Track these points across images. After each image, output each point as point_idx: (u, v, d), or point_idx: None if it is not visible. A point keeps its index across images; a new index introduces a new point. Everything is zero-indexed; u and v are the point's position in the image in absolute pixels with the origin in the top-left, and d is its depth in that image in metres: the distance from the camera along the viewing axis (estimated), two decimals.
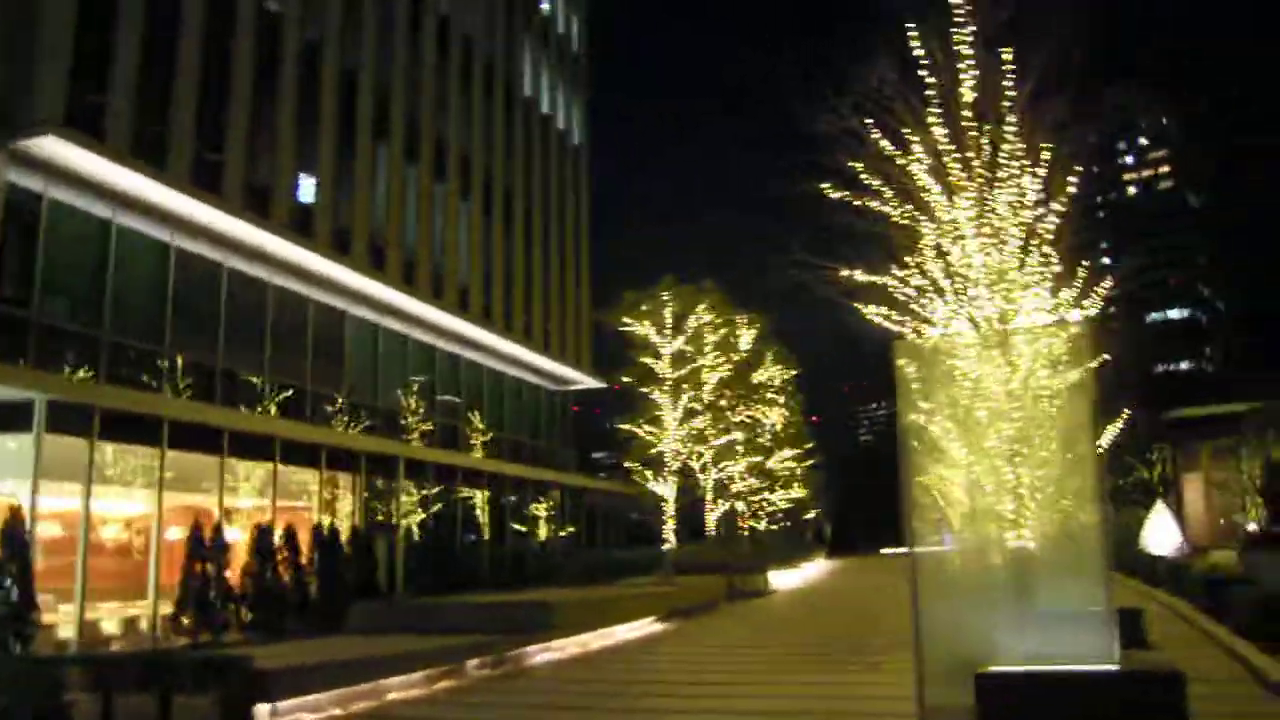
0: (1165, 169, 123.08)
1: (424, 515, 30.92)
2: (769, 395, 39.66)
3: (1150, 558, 27.75)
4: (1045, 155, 11.18)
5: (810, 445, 43.84)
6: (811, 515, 57.52)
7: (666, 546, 29.87)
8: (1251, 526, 28.14)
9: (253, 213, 25.46)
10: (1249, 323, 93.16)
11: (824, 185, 11.80)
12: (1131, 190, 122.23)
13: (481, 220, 40.57)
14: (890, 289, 12.10)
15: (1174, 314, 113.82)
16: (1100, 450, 9.53)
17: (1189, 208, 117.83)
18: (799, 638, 18.96)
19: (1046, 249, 11.03)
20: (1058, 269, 11.23)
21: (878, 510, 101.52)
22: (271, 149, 27.08)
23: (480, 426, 38.18)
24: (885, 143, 11.32)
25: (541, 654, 16.42)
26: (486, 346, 40.96)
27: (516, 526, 39.62)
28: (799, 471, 43.62)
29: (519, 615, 17.11)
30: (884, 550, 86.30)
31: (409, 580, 24.42)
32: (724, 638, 19.36)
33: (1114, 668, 7.90)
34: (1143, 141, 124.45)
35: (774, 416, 39.76)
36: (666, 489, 30.09)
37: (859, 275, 11.77)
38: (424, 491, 31.24)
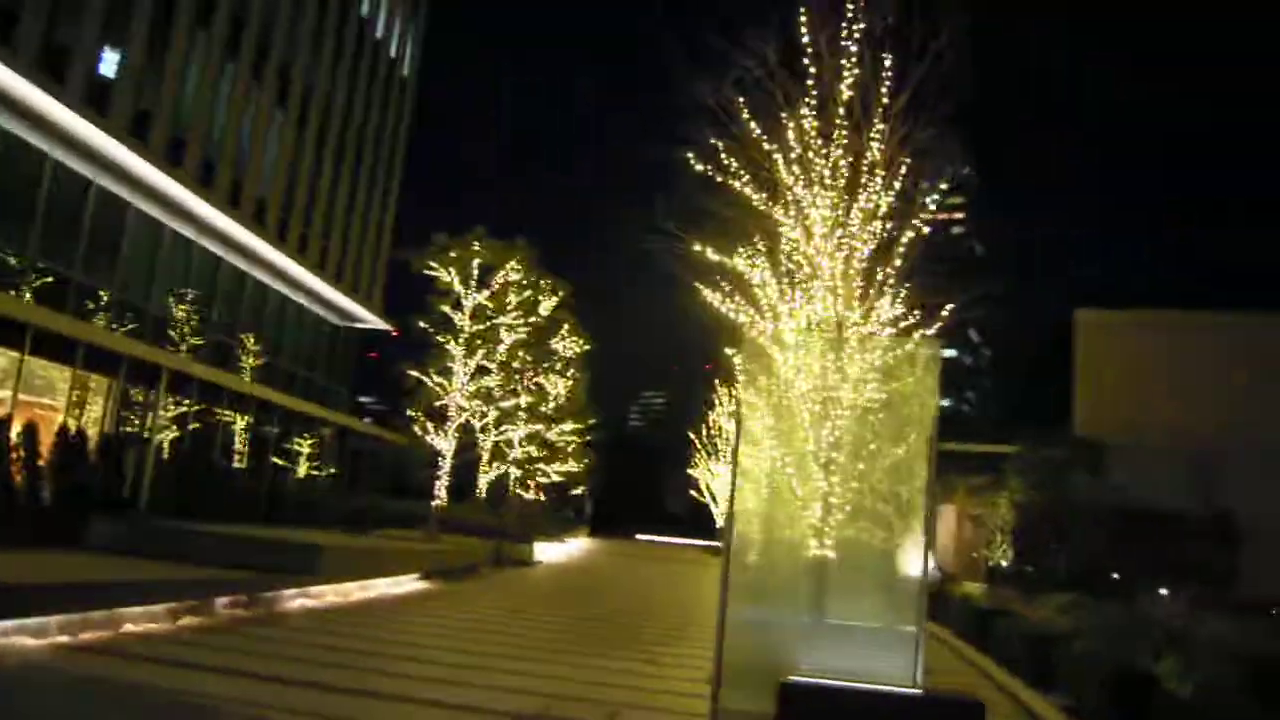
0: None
1: (181, 433, 28.96)
2: (559, 365, 39.25)
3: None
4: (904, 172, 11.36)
5: (592, 421, 43.75)
6: (578, 491, 57.56)
7: (436, 503, 29.05)
8: (1004, 563, 29.95)
9: (43, 75, 23.01)
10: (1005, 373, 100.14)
11: (688, 154, 11.50)
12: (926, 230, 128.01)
13: (294, 135, 38.38)
14: (737, 275, 11.96)
15: (949, 352, 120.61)
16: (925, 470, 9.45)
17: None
18: (570, 615, 18.69)
19: (893, 265, 11.14)
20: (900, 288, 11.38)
21: (638, 496, 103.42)
22: (76, 10, 24.58)
23: (254, 349, 36.14)
24: (753, 125, 11.18)
25: (299, 599, 15.48)
26: (276, 268, 38.84)
27: (277, 460, 37.82)
28: (572, 448, 43.49)
29: (281, 555, 16.06)
30: (639, 536, 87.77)
31: (157, 499, 22.68)
32: (490, 605, 18.87)
33: (918, 691, 7.94)
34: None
35: (560, 387, 39.40)
36: (446, 444, 29.25)
37: (710, 252, 11.52)
38: (185, 408, 29.27)
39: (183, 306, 30.57)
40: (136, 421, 27.14)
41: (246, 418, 35.15)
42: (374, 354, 54.84)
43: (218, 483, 26.97)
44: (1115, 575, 27.53)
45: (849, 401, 10.13)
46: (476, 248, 29.77)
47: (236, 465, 34.89)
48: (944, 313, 10.91)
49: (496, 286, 30.49)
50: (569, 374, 40.49)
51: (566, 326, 38.12)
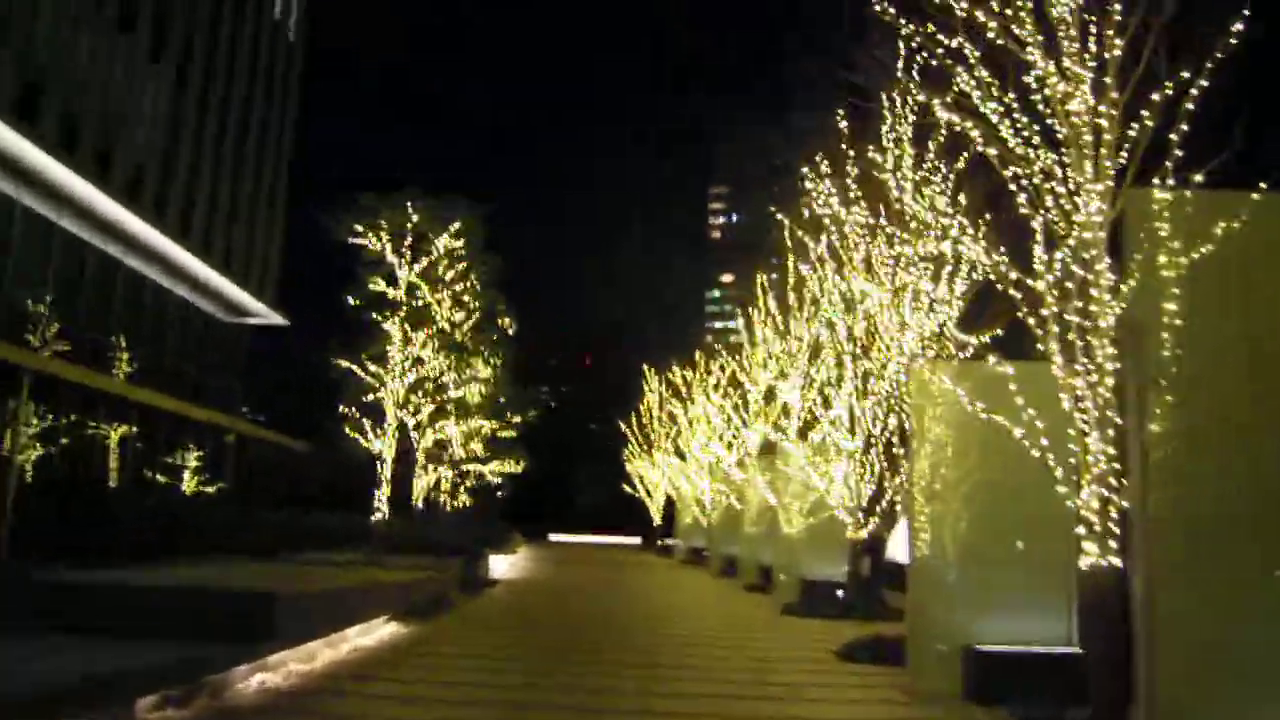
0: None
1: (50, 450, 23.50)
2: (491, 352, 34.32)
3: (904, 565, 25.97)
4: None
5: (533, 413, 38.96)
6: (500, 494, 52.74)
7: (376, 517, 24.08)
8: None
9: None
10: None
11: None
12: None
13: (172, 94, 32.68)
14: None
15: None
16: None
17: None
18: (594, 656, 14.23)
19: None
20: None
21: (549, 494, 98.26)
22: None
23: (128, 350, 30.58)
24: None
25: (255, 675, 10.64)
26: (155, 252, 33.09)
27: (160, 478, 32.29)
28: (492, 444, 38.69)
29: (219, 612, 11.19)
30: (553, 537, 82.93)
31: (25, 539, 17.31)
32: (500, 654, 14.31)
33: None
34: None
35: (490, 374, 34.53)
36: (384, 446, 24.28)
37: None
38: (53, 421, 23.80)
39: (46, 300, 25.01)
40: None
41: (126, 428, 29.63)
42: (264, 343, 49.00)
43: (101, 511, 21.51)
44: None
45: None
46: (410, 209, 24.79)
47: (115, 485, 29.41)
48: None
49: (434, 257, 25.58)
50: (495, 363, 35.66)
51: (500, 307, 33.39)
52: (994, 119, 9.06)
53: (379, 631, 14.90)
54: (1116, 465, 8.17)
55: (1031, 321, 8.89)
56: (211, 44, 35.74)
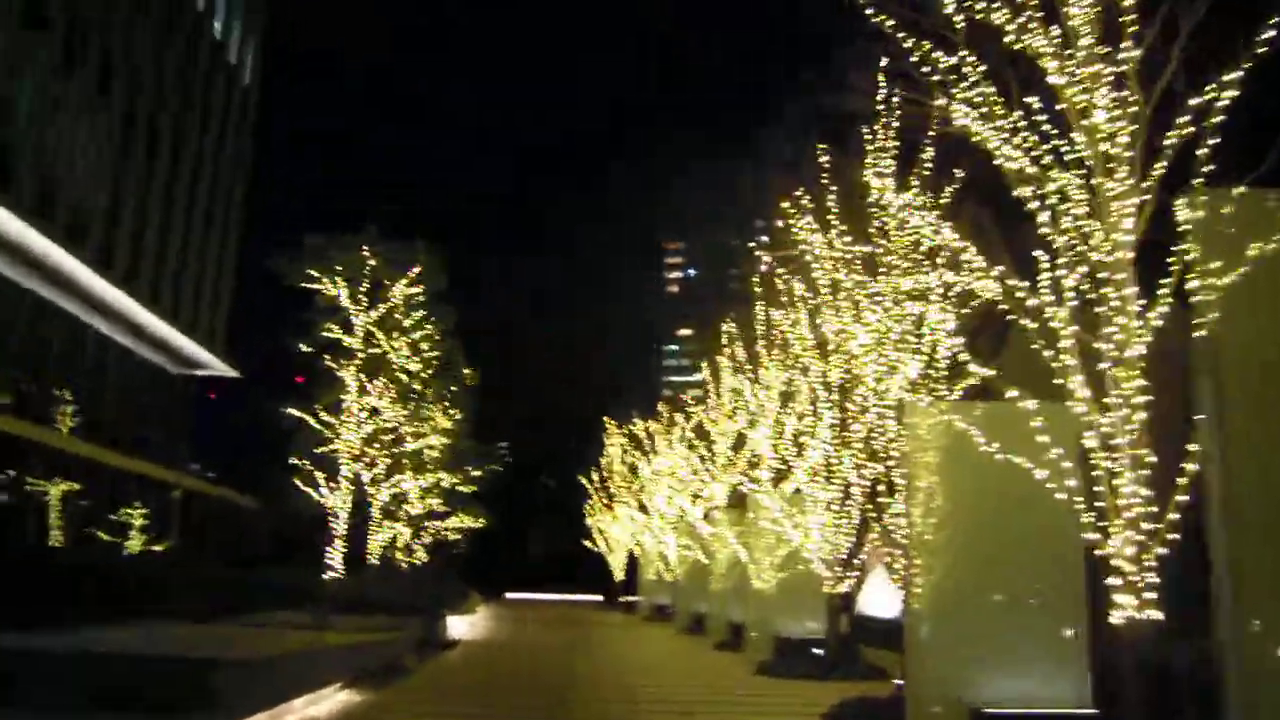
0: None
1: None
2: (445, 404, 33.18)
3: (875, 620, 25.29)
4: None
5: (496, 467, 37.75)
6: (457, 551, 51.21)
7: (329, 575, 22.81)
8: None
9: None
10: None
11: None
12: None
13: (120, 134, 31.63)
14: None
15: None
16: None
17: None
18: None
19: None
20: None
21: (501, 550, 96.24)
22: None
23: (70, 401, 29.32)
24: None
25: None
26: (98, 301, 31.82)
27: (103, 536, 30.82)
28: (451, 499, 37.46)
29: (157, 682, 10.09)
30: (509, 595, 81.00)
31: None
32: None
33: None
34: None
35: (445, 424, 33.34)
36: (338, 500, 23.09)
37: None
38: None
39: None
40: None
41: (67, 485, 28.27)
42: (211, 394, 47.64)
43: (38, 572, 20.16)
44: None
45: None
46: (365, 253, 23.80)
47: (54, 544, 27.93)
48: None
49: (392, 303, 24.58)
50: (454, 414, 34.51)
51: (458, 357, 32.37)
52: (996, 140, 8.45)
53: (329, 701, 13.76)
54: (1154, 508, 7.43)
55: (1047, 354, 8.19)
56: (160, 84, 34.79)
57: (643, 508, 45.53)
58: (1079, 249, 7.90)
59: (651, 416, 43.49)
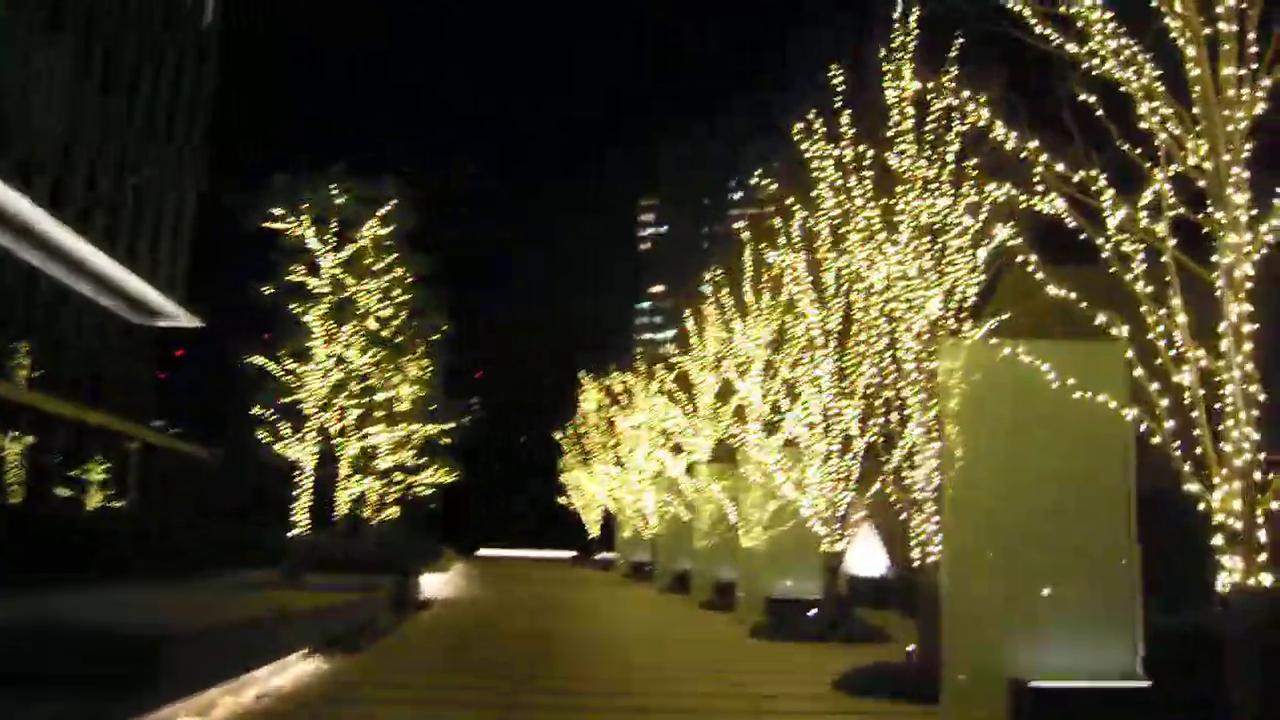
0: None
1: None
2: (419, 352, 31.61)
3: (862, 580, 24.77)
4: None
5: (466, 419, 36.37)
6: (431, 506, 49.99)
7: (295, 533, 21.57)
8: None
9: None
10: None
11: None
12: None
13: (73, 71, 29.85)
14: None
15: None
16: None
17: None
18: (558, 700, 12.12)
19: None
20: None
21: (475, 507, 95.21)
22: None
23: (24, 352, 27.84)
24: None
25: None
26: (52, 244, 30.18)
27: (62, 491, 29.49)
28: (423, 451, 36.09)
29: (96, 658, 8.87)
30: (483, 552, 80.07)
31: None
32: (443, 694, 12.12)
33: None
34: None
35: (415, 372, 31.82)
36: (305, 453, 21.80)
37: None
38: None
39: None
40: None
41: (21, 440, 26.92)
42: (180, 351, 46.12)
43: None
44: None
45: None
46: (334, 191, 22.32)
47: (10, 501, 26.66)
48: None
49: (361, 243, 23.14)
50: (425, 364, 33.03)
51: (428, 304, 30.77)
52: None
53: (296, 669, 12.57)
54: (1263, 455, 6.33)
55: (1131, 276, 7.04)
56: (119, 19, 32.94)
57: (619, 463, 44.50)
58: (1183, 146, 6.74)
59: (629, 369, 42.43)
